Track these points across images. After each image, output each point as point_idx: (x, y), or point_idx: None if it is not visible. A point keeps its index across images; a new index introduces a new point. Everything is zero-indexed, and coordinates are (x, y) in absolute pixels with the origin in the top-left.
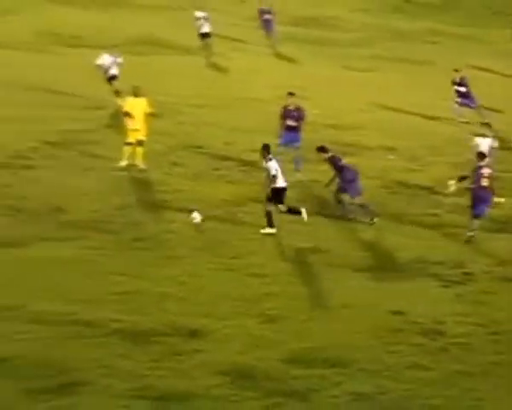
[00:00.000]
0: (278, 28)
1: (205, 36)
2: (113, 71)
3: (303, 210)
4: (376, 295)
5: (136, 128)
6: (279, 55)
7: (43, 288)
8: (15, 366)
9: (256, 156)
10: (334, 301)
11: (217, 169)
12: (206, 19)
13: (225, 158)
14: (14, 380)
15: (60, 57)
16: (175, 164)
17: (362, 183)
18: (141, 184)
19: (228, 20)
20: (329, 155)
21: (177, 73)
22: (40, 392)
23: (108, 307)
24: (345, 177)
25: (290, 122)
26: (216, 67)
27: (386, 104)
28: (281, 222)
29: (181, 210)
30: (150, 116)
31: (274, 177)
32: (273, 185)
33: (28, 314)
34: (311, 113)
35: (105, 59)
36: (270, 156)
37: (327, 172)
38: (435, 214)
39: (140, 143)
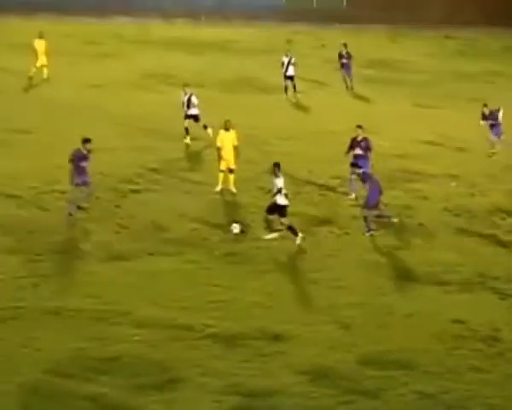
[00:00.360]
0: (354, 70)
1: (289, 78)
2: (194, 111)
3: (300, 235)
4: (439, 306)
5: (227, 158)
6: (354, 94)
7: (148, 296)
8: (124, 365)
9: (334, 182)
10: (401, 310)
11: (299, 193)
12: (291, 62)
13: (306, 183)
14: (124, 377)
15: (160, 95)
16: (262, 188)
17: (431, 207)
18: (232, 205)
19: (310, 62)
20: (362, 170)
21: (265, 109)
22: (145, 388)
23: (204, 314)
24: (372, 188)
25: (358, 151)
26: (298, 105)
27: (449, 137)
28: (353, 239)
29: (266, 228)
30: (238, 147)
31: (279, 191)
32: (276, 200)
33: (135, 319)
34: (379, 144)
35: (182, 98)
36: (279, 174)
37: (395, 197)
38: (493, 235)
39: (231, 170)
